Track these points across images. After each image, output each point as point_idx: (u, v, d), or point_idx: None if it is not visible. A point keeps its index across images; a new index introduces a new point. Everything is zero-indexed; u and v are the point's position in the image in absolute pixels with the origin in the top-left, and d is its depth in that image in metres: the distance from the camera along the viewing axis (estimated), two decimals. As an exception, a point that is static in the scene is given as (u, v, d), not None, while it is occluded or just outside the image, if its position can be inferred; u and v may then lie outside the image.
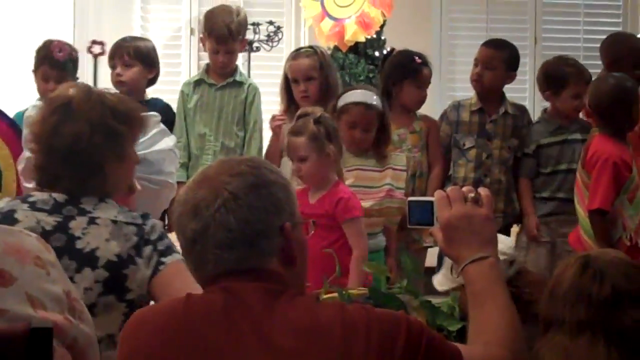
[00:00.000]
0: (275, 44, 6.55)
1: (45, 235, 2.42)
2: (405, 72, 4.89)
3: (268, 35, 6.51)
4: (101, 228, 2.49)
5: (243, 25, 5.05)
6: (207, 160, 4.72)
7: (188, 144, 4.88)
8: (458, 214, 1.98)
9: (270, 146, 4.80)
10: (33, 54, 4.81)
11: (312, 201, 3.86)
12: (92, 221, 2.50)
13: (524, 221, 4.96)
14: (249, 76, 5.81)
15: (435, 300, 2.73)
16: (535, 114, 5.94)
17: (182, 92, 5.03)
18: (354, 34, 5.75)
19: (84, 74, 4.69)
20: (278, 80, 4.81)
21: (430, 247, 4.76)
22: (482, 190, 2.02)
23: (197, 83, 5.01)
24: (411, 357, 1.76)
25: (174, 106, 5.00)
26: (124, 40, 4.91)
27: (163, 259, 2.50)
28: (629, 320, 1.96)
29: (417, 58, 4.87)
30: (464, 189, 2.02)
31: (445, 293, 3.06)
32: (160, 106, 4.72)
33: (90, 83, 4.17)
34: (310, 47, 4.87)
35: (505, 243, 2.99)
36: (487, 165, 4.89)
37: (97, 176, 2.58)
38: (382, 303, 2.60)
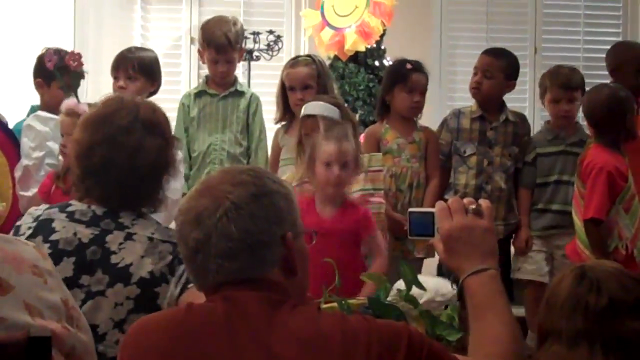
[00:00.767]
0: (275, 53, 6.55)
1: (81, 247, 2.44)
2: (395, 78, 4.90)
3: (268, 45, 6.51)
4: (137, 244, 2.48)
5: (240, 35, 5.07)
6: (214, 169, 4.72)
7: (189, 156, 4.89)
8: (459, 226, 1.97)
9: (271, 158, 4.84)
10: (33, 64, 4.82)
11: (327, 215, 3.85)
12: (129, 237, 2.49)
13: (517, 233, 4.97)
14: (249, 85, 5.81)
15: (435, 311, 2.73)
16: (535, 123, 5.95)
17: (182, 104, 5.03)
18: (354, 43, 5.75)
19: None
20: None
21: (424, 258, 4.76)
22: (483, 202, 2.02)
23: (198, 94, 5.02)
24: (412, 369, 1.76)
25: (173, 116, 4.99)
26: (128, 51, 4.90)
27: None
28: (627, 330, 1.96)
29: (408, 64, 4.87)
30: (465, 200, 2.02)
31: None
32: None
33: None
34: (308, 56, 4.88)
35: (444, 286, 2.95)
36: (488, 173, 4.89)
37: (147, 191, 2.59)
38: (382, 313, 2.59)
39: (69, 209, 2.54)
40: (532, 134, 5.17)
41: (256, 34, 6.40)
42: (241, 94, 5.01)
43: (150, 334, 1.85)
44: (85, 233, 2.48)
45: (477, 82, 4.93)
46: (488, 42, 6.94)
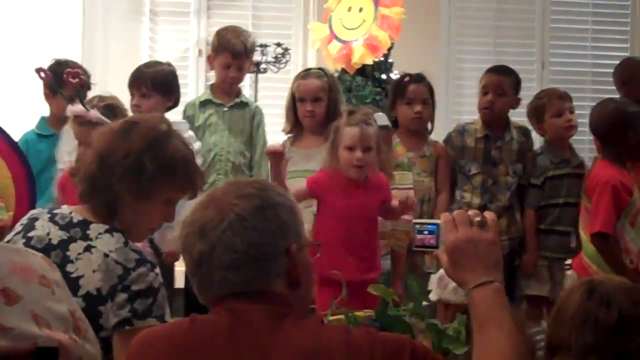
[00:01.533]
0: (282, 65, 6.57)
1: (48, 248, 2.50)
2: (395, 93, 4.92)
3: (275, 57, 6.52)
4: (93, 257, 2.50)
5: (253, 47, 5.11)
6: (219, 180, 4.73)
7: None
8: (464, 238, 1.96)
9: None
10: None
11: (353, 194, 3.92)
12: (88, 249, 2.52)
13: (524, 255, 4.95)
14: (255, 98, 5.83)
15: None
16: (539, 138, 5.95)
17: (185, 114, 5.03)
18: (361, 56, 5.76)
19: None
20: (285, 101, 4.82)
21: (432, 273, 4.75)
22: (488, 214, 2.01)
23: (204, 103, 5.02)
24: (415, 381, 1.76)
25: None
26: (145, 66, 4.87)
27: (134, 321, 2.45)
28: (636, 345, 1.96)
29: (407, 77, 4.88)
30: (470, 212, 2.01)
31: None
32: None
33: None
34: (320, 69, 4.88)
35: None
36: (493, 192, 4.88)
37: (111, 204, 2.60)
38: (389, 326, 2.59)
39: (55, 211, 2.63)
40: (534, 148, 5.15)
41: (264, 46, 6.41)
42: (245, 105, 5.03)
43: (154, 345, 1.85)
44: (56, 235, 2.55)
45: (491, 101, 4.90)
46: (495, 56, 6.95)
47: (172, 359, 1.80)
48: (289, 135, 4.80)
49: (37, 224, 2.59)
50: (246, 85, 5.65)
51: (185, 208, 3.25)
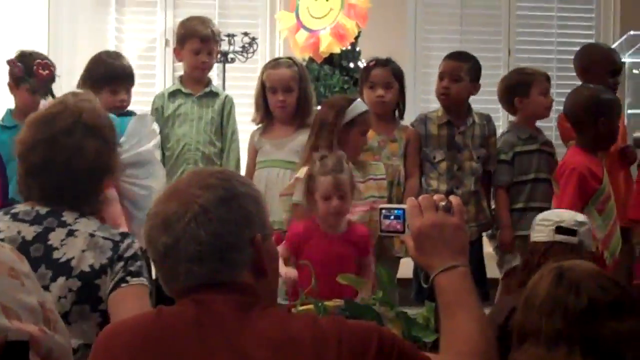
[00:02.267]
0: (250, 55, 6.56)
1: (25, 245, 2.48)
2: (362, 77, 4.93)
3: (243, 47, 6.52)
4: (78, 240, 2.51)
5: (219, 34, 5.11)
6: (188, 169, 4.70)
7: (163, 156, 4.86)
8: (429, 223, 1.97)
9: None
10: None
11: (332, 240, 3.92)
12: (70, 233, 2.52)
13: (499, 233, 4.96)
14: (223, 87, 5.81)
15: (410, 312, 2.74)
16: (506, 123, 5.98)
17: (154, 108, 5.00)
18: (329, 45, 5.77)
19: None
20: (253, 91, 4.80)
21: (401, 257, 4.76)
22: (454, 199, 2.01)
23: (173, 94, 4.99)
24: (383, 367, 1.77)
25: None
26: (115, 58, 4.80)
27: (128, 278, 2.51)
28: (605, 331, 1.97)
29: (371, 62, 4.89)
30: (435, 196, 2.01)
31: None
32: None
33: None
34: (290, 58, 4.88)
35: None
36: (459, 177, 4.89)
37: (86, 193, 2.63)
38: (358, 314, 2.60)
39: (13, 210, 2.59)
40: (498, 134, 5.17)
41: (231, 36, 6.40)
42: (215, 95, 5.00)
43: (120, 338, 1.84)
44: (29, 231, 2.52)
45: (445, 87, 4.92)
46: (462, 43, 6.98)
47: (139, 351, 1.79)
48: (259, 125, 4.79)
49: (1, 226, 2.54)
50: (214, 75, 5.63)
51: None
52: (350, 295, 3.16)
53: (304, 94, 4.63)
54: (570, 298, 2.00)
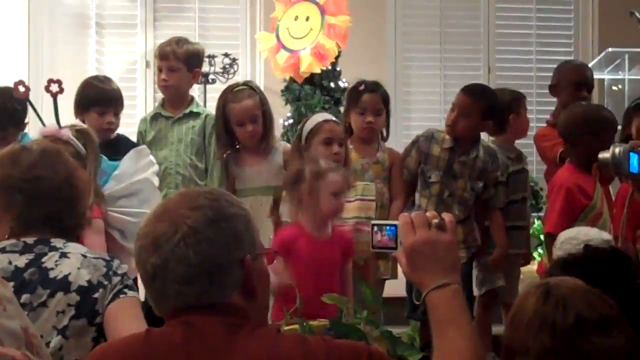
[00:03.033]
0: (231, 76, 6.57)
1: (17, 272, 2.44)
2: (349, 101, 4.90)
3: (224, 67, 6.53)
4: (72, 260, 2.51)
5: (192, 53, 4.98)
6: (170, 194, 4.65)
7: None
8: (422, 240, 1.96)
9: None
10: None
11: (321, 242, 3.90)
12: (63, 255, 2.52)
13: (495, 251, 4.95)
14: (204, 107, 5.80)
15: (395, 331, 2.74)
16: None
17: (139, 132, 4.97)
18: (309, 65, 5.78)
19: (46, 114, 4.56)
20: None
21: (387, 279, 4.75)
22: (446, 216, 2.00)
23: (154, 117, 4.95)
24: (372, 388, 1.76)
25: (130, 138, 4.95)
26: (103, 82, 4.82)
27: (125, 290, 2.51)
28: (593, 347, 1.97)
29: (362, 85, 4.86)
30: (428, 214, 2.00)
31: None
32: (130, 144, 4.66)
33: (53, 122, 4.08)
34: (245, 84, 4.76)
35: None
36: (448, 203, 4.86)
37: (74, 218, 2.63)
38: (343, 334, 2.60)
39: (0, 246, 2.55)
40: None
41: (212, 57, 6.40)
42: (196, 115, 4.95)
43: (109, 359, 1.84)
44: (21, 260, 2.49)
45: (453, 120, 4.88)
46: (442, 62, 7.02)
47: (127, 371, 1.79)
48: (226, 154, 4.70)
49: None
50: (195, 96, 5.62)
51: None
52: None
53: (268, 117, 4.59)
54: (557, 315, 2.00)
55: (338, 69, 6.02)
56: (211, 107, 5.79)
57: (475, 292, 4.97)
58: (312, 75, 5.86)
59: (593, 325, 1.97)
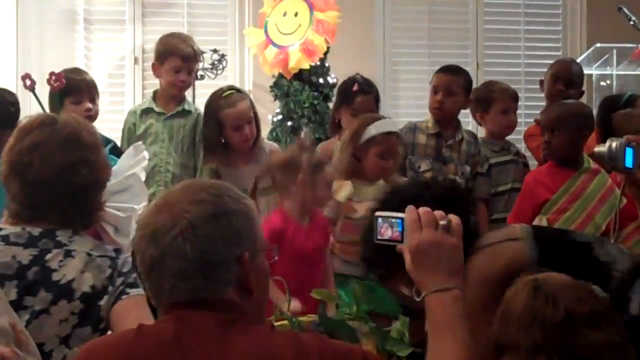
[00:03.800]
0: (219, 72, 6.56)
1: (22, 269, 2.42)
2: (342, 99, 4.89)
3: (212, 64, 6.52)
4: (76, 260, 2.47)
5: (200, 52, 5.09)
6: (159, 192, 4.62)
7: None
8: (428, 240, 1.96)
9: None
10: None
11: (305, 227, 3.90)
12: (68, 254, 2.48)
13: None
14: (194, 104, 5.79)
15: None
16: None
17: (127, 122, 4.94)
18: (298, 61, 5.77)
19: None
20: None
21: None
22: (453, 218, 2.00)
23: (145, 112, 4.92)
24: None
25: (118, 136, 4.92)
26: (76, 73, 4.78)
27: (128, 290, 2.49)
28: (583, 342, 1.97)
29: (356, 85, 4.85)
30: (436, 213, 2.00)
31: None
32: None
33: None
34: (233, 88, 4.71)
35: None
36: None
37: (81, 206, 2.58)
38: (332, 330, 2.60)
39: (2, 232, 2.50)
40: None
41: (200, 53, 6.39)
42: (188, 113, 4.94)
43: (100, 356, 1.83)
44: (24, 254, 2.45)
45: (440, 101, 4.89)
46: (431, 58, 7.02)
47: (118, 366, 1.79)
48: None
49: None
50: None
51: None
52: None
53: (257, 118, 4.59)
54: (547, 310, 2.00)
55: (327, 64, 6.01)
56: (200, 104, 5.78)
57: None
58: (301, 71, 5.85)
59: (583, 320, 1.97)
